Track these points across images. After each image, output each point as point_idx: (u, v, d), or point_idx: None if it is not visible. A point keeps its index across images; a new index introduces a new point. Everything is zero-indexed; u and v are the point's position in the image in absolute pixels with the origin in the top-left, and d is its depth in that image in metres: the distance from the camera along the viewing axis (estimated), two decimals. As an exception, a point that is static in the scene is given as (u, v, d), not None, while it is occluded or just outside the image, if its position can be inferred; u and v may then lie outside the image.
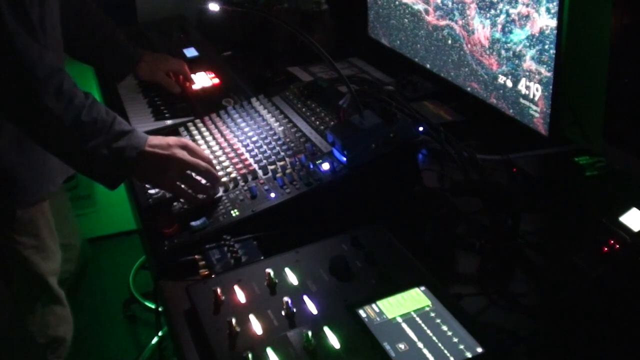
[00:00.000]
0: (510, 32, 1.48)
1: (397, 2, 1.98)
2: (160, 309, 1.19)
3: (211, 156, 1.45)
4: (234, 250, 1.17)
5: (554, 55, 1.36)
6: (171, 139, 1.32)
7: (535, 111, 1.45)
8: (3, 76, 1.23)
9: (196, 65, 2.02)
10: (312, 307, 1.00)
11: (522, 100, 1.49)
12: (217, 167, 1.40)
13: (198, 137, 1.56)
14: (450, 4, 1.70)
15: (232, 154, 1.44)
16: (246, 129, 1.53)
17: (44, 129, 1.26)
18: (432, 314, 0.97)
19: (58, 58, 1.42)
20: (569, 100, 1.43)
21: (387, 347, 0.91)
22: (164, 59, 1.96)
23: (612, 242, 1.04)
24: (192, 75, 1.96)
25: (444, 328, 0.94)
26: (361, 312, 0.98)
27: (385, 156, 1.29)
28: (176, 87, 1.92)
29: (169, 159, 1.28)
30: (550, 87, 1.39)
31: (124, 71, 1.94)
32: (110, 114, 1.27)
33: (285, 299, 1.00)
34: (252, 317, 0.99)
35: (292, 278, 1.07)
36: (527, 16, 1.42)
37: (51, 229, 1.68)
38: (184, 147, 1.31)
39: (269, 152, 1.41)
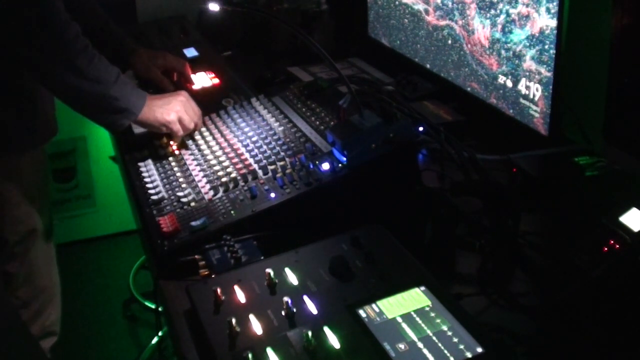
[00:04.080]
0: (510, 32, 1.48)
1: (397, 2, 1.98)
2: (160, 309, 1.19)
3: (211, 156, 1.46)
4: (234, 250, 1.17)
5: (554, 55, 1.36)
6: (171, 94, 1.55)
7: (535, 111, 1.45)
8: (37, 30, 1.33)
9: (196, 65, 2.02)
10: (312, 307, 1.00)
11: (522, 100, 1.49)
12: (217, 167, 1.40)
13: (198, 137, 1.56)
14: (450, 4, 1.70)
15: (232, 154, 1.44)
16: (246, 129, 1.53)
17: (68, 82, 1.38)
18: (432, 314, 0.97)
19: None
20: (569, 100, 1.43)
21: (387, 347, 0.91)
22: (162, 55, 1.94)
23: (612, 242, 1.04)
24: (192, 75, 1.96)
25: (444, 328, 0.94)
26: (361, 312, 0.98)
27: (385, 156, 1.29)
28: (169, 85, 1.86)
29: (172, 99, 1.52)
30: (550, 87, 1.39)
31: (118, 65, 1.93)
32: (114, 65, 1.45)
33: (285, 299, 1.00)
34: (252, 317, 0.99)
35: (292, 278, 1.07)
36: (527, 16, 1.42)
37: (42, 184, 1.74)
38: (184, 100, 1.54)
39: (269, 152, 1.41)
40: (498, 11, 1.52)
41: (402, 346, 0.91)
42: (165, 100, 1.52)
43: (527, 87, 1.46)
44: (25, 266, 1.73)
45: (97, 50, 1.45)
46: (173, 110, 1.50)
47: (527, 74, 1.45)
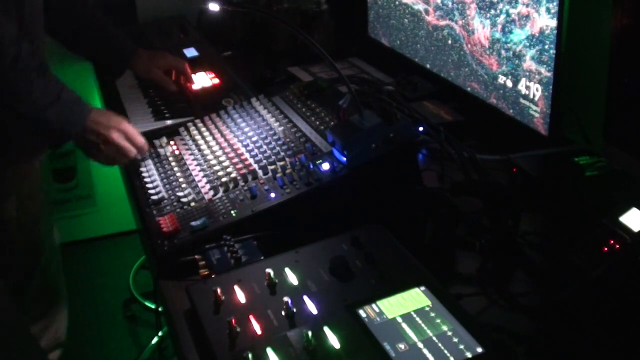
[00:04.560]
0: (510, 32, 1.48)
1: (397, 2, 1.98)
2: (160, 309, 1.19)
3: (211, 156, 1.45)
4: (234, 250, 1.17)
5: (554, 55, 1.36)
6: (114, 120, 1.45)
7: (535, 111, 1.45)
8: None
9: (196, 65, 2.02)
10: (312, 307, 1.00)
11: (522, 100, 1.49)
12: (217, 167, 1.40)
13: (198, 137, 1.56)
14: (450, 4, 1.70)
15: (232, 154, 1.44)
16: (246, 129, 1.53)
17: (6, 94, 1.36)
18: (432, 314, 0.97)
19: (36, 49, 1.46)
20: (569, 100, 1.43)
21: (387, 347, 0.91)
22: (162, 56, 1.94)
23: (612, 242, 1.04)
24: (192, 75, 1.96)
25: (444, 328, 0.94)
26: (361, 312, 0.98)
27: (385, 156, 1.29)
28: (172, 85, 1.89)
29: (107, 138, 1.43)
30: (550, 87, 1.39)
31: (119, 66, 1.93)
32: (58, 82, 1.40)
33: (285, 299, 1.00)
34: (252, 317, 0.99)
35: (292, 278, 1.07)
36: (527, 16, 1.42)
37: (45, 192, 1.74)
38: (123, 132, 1.45)
39: (269, 152, 1.41)
40: (498, 11, 1.52)
41: (402, 346, 0.91)
42: (97, 135, 1.43)
43: (527, 87, 1.46)
44: (35, 282, 1.73)
45: (95, 53, 1.44)
46: (101, 154, 1.45)
47: (527, 74, 1.45)
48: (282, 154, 1.39)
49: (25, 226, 1.68)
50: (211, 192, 1.33)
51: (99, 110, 1.47)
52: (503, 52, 1.52)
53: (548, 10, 1.35)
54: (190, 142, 1.54)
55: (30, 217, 1.69)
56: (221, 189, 1.33)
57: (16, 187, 1.63)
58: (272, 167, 1.34)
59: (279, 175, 1.31)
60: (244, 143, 1.48)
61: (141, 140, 1.49)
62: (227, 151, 1.46)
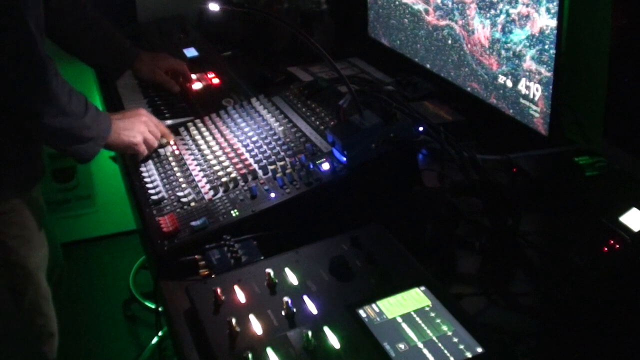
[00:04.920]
0: (510, 32, 1.48)
1: (397, 2, 1.98)
2: (160, 309, 1.19)
3: (211, 156, 1.46)
4: (234, 250, 1.17)
5: (554, 55, 1.36)
6: (135, 115, 1.52)
7: (535, 111, 1.45)
8: (19, 70, 1.29)
9: (196, 65, 2.02)
10: (312, 307, 1.00)
11: (522, 100, 1.49)
12: (217, 167, 1.40)
13: (198, 137, 1.56)
14: (450, 4, 1.70)
15: (232, 154, 1.44)
16: (246, 129, 1.53)
17: (48, 121, 1.35)
18: (432, 314, 0.97)
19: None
20: (569, 100, 1.43)
21: (387, 347, 0.91)
22: (164, 57, 1.96)
23: (612, 242, 1.04)
24: (192, 75, 1.96)
25: (444, 328, 0.94)
26: (361, 312, 0.98)
27: (385, 156, 1.29)
28: (175, 86, 1.92)
29: (135, 120, 1.50)
30: (550, 87, 1.39)
31: (120, 68, 1.94)
32: (81, 95, 1.41)
33: (285, 299, 1.00)
34: (252, 317, 0.99)
35: (292, 278, 1.07)
36: (527, 16, 1.42)
37: (38, 221, 1.66)
38: (146, 124, 1.52)
39: (269, 152, 1.41)
40: (498, 11, 1.52)
41: (402, 346, 0.91)
42: (128, 121, 1.49)
43: (527, 87, 1.46)
44: (23, 307, 1.64)
45: (96, 57, 1.44)
46: (138, 131, 1.49)
47: (527, 74, 1.45)
48: (282, 154, 1.39)
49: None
50: (211, 192, 1.33)
51: (116, 113, 1.53)
52: (503, 52, 1.52)
53: (548, 10, 1.35)
54: (190, 142, 1.54)
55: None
56: (221, 189, 1.33)
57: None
58: (272, 167, 1.34)
59: (279, 175, 1.31)
60: (244, 143, 1.48)
61: (164, 129, 1.56)
62: (227, 151, 1.46)
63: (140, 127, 1.49)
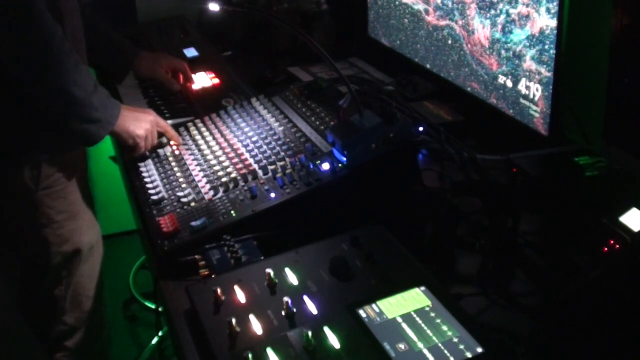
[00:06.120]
0: (510, 32, 1.48)
1: (397, 2, 1.98)
2: (160, 309, 1.19)
3: (211, 156, 1.46)
4: (234, 250, 1.17)
5: (554, 55, 1.36)
6: (143, 113, 1.54)
7: (535, 111, 1.45)
8: (25, 29, 1.31)
9: (196, 65, 2.02)
10: (312, 307, 1.00)
11: (522, 100, 1.49)
12: (217, 167, 1.40)
13: (198, 137, 1.56)
14: (450, 4, 1.70)
15: (232, 154, 1.44)
16: (246, 129, 1.53)
17: (57, 83, 1.37)
18: (432, 314, 0.97)
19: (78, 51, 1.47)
20: (569, 100, 1.43)
21: (387, 347, 0.91)
22: (164, 56, 1.96)
23: (612, 242, 1.04)
24: (192, 75, 1.96)
25: (444, 328, 0.94)
26: (361, 312, 0.98)
27: (385, 156, 1.29)
28: (176, 84, 1.92)
29: (144, 116, 1.53)
30: (550, 87, 1.39)
31: (121, 70, 1.94)
32: (91, 76, 1.44)
33: (285, 299, 1.00)
34: (252, 317, 0.99)
35: (292, 278, 1.07)
36: (527, 16, 1.42)
37: (86, 200, 1.66)
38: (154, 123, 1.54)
39: (269, 152, 1.41)
40: (498, 11, 1.52)
41: (402, 346, 0.91)
42: (137, 115, 1.51)
43: (527, 87, 1.46)
44: (71, 289, 1.65)
45: (97, 58, 1.44)
46: (144, 127, 1.50)
47: (527, 74, 1.45)
48: (282, 154, 1.39)
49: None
50: (211, 192, 1.33)
51: (127, 107, 1.53)
52: (503, 52, 1.52)
53: (548, 10, 1.35)
54: (190, 142, 1.54)
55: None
56: (221, 189, 1.33)
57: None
58: (272, 167, 1.34)
59: (279, 175, 1.31)
60: (244, 143, 1.48)
61: (172, 132, 1.56)
62: (227, 151, 1.46)
63: (146, 124, 1.51)
